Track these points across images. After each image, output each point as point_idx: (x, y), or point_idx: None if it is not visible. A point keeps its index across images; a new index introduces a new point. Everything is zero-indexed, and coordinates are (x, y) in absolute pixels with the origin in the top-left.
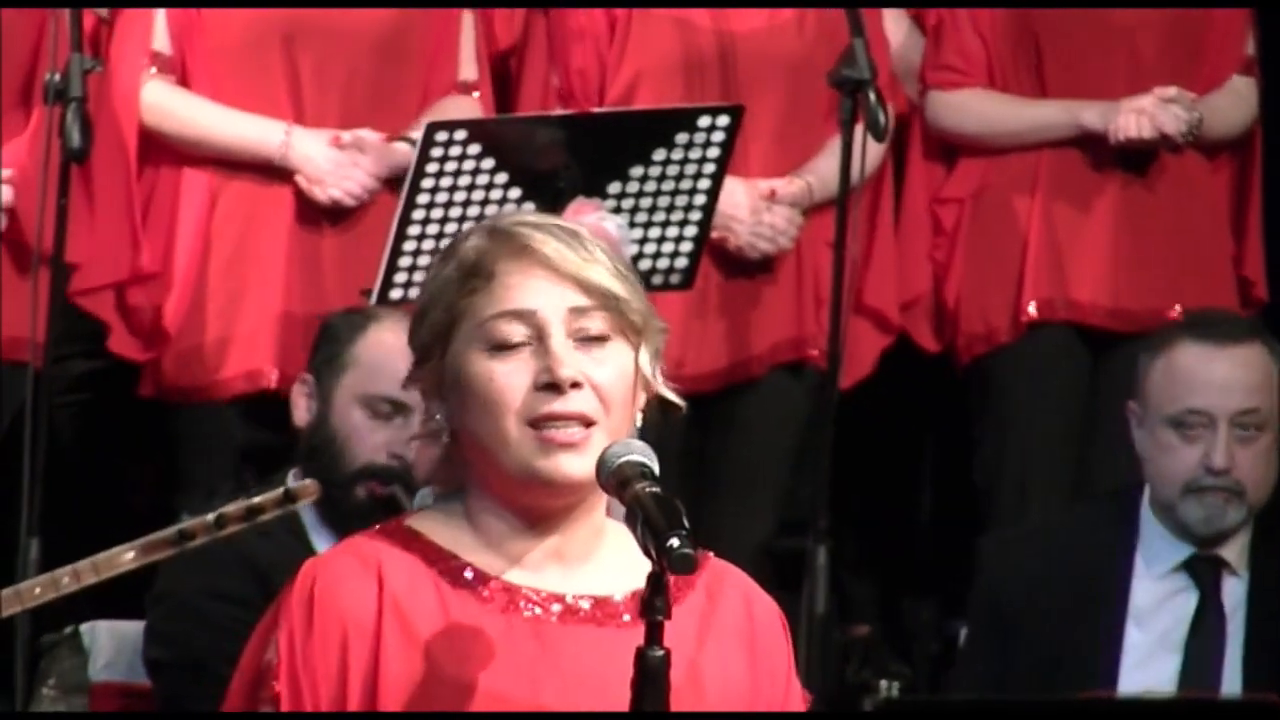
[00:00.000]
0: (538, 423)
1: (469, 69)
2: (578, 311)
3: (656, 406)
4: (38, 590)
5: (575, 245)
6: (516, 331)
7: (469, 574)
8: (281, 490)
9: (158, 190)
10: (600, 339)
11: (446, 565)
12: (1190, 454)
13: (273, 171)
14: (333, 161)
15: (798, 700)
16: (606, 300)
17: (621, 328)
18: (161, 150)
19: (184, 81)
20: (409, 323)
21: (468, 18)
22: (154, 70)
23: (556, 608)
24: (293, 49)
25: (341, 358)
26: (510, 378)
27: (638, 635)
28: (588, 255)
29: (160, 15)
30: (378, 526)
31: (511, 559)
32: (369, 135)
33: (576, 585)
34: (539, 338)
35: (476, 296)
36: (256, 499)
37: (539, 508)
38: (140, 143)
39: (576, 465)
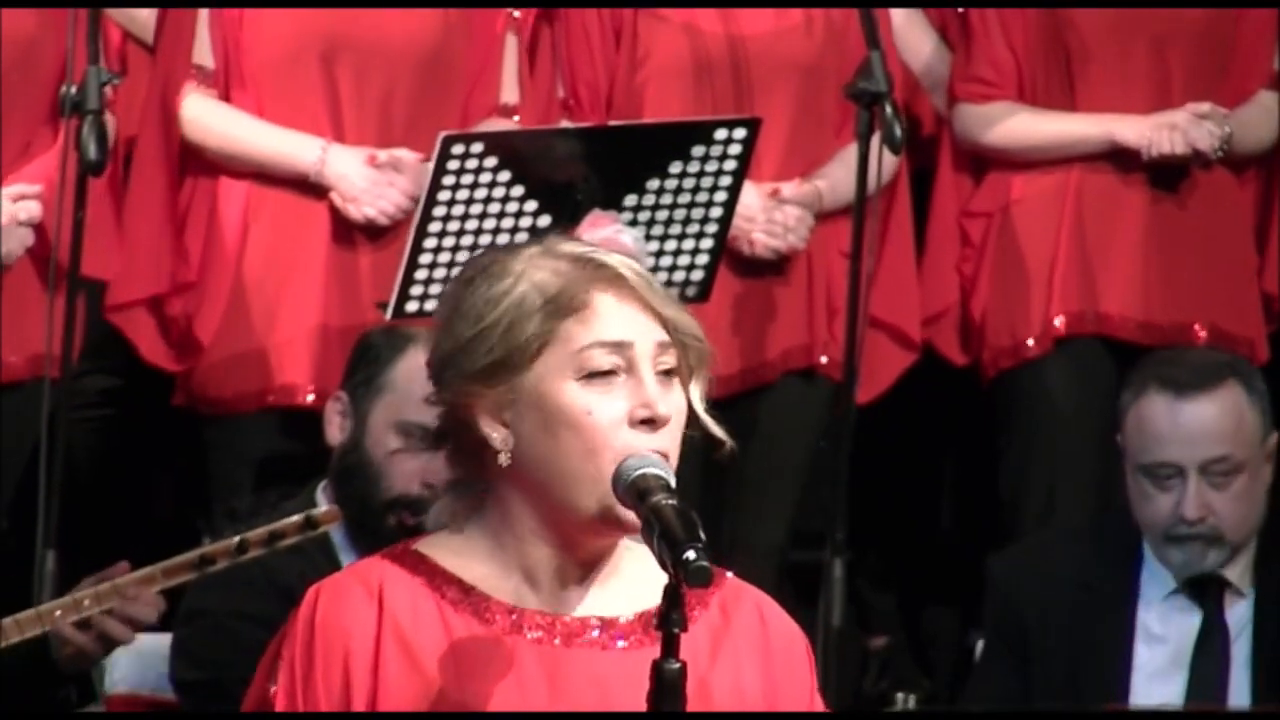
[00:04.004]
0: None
1: (511, 92)
2: (662, 346)
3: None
4: (58, 613)
5: (653, 278)
6: (610, 361)
7: (473, 597)
8: (303, 516)
9: (195, 199)
10: (671, 374)
11: (451, 588)
12: (1165, 502)
13: (310, 185)
14: (368, 180)
15: None
16: (685, 337)
17: (683, 363)
18: (199, 159)
19: (226, 96)
20: (436, 341)
21: (511, 40)
22: (195, 83)
23: (561, 630)
24: (332, 66)
25: (378, 380)
26: (608, 413)
27: (642, 658)
28: (665, 289)
29: (203, 29)
30: (385, 550)
31: (520, 582)
32: (405, 155)
33: (584, 607)
34: (629, 369)
35: (569, 323)
36: (278, 524)
37: (589, 544)
38: (179, 152)
39: None
